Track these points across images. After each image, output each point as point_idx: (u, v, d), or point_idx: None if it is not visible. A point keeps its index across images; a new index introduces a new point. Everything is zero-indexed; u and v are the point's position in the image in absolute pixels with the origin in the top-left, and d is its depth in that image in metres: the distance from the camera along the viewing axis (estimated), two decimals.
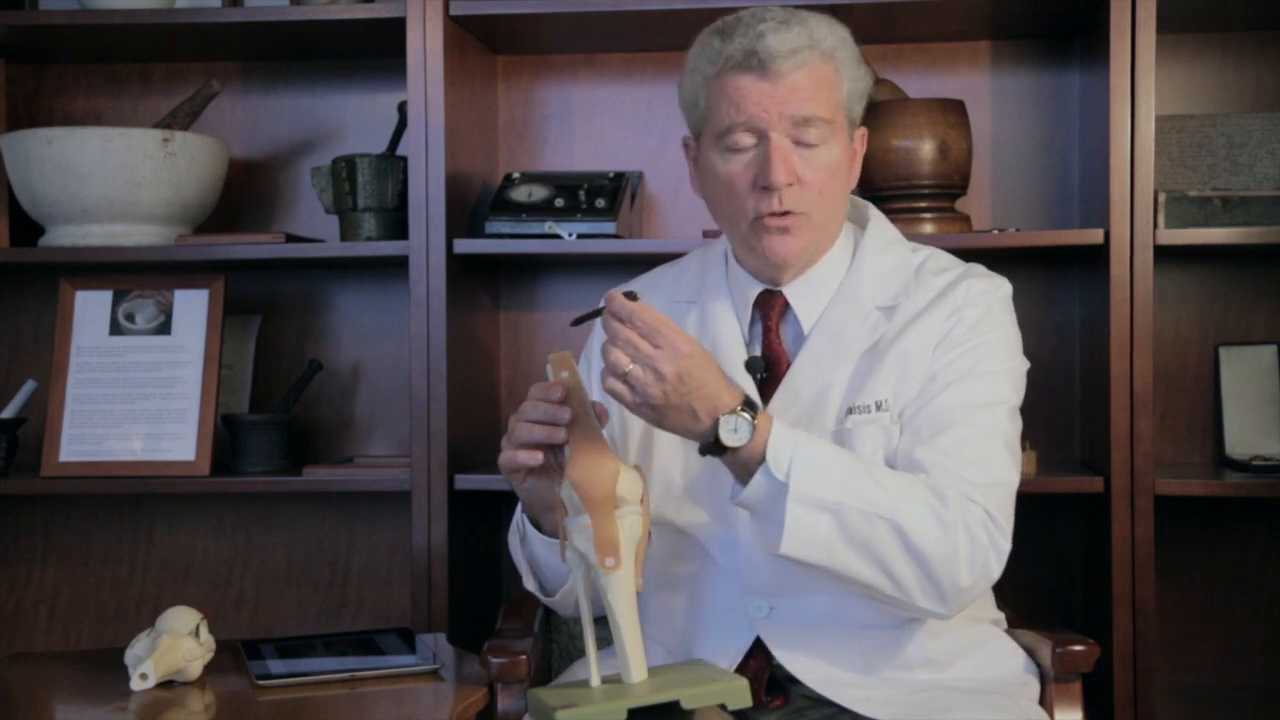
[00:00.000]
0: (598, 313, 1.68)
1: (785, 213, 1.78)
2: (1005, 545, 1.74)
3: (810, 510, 1.65)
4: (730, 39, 1.77)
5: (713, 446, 1.66)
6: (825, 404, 1.81)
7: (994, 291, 1.85)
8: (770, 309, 1.87)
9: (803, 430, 1.72)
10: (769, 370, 1.85)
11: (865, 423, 1.80)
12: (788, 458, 1.65)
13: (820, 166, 1.78)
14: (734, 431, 1.65)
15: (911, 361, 1.80)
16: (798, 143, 1.77)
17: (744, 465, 1.67)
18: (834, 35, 1.80)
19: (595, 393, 1.97)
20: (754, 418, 1.65)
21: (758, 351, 1.87)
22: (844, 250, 1.89)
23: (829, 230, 1.85)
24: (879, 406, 1.80)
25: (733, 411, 1.64)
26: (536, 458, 1.71)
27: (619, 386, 1.64)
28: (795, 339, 1.86)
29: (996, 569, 1.74)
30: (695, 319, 1.90)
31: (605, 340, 1.65)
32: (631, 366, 1.63)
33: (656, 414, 1.66)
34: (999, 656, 1.89)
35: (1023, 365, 1.87)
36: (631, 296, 1.64)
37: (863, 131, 1.88)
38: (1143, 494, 2.29)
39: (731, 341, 1.86)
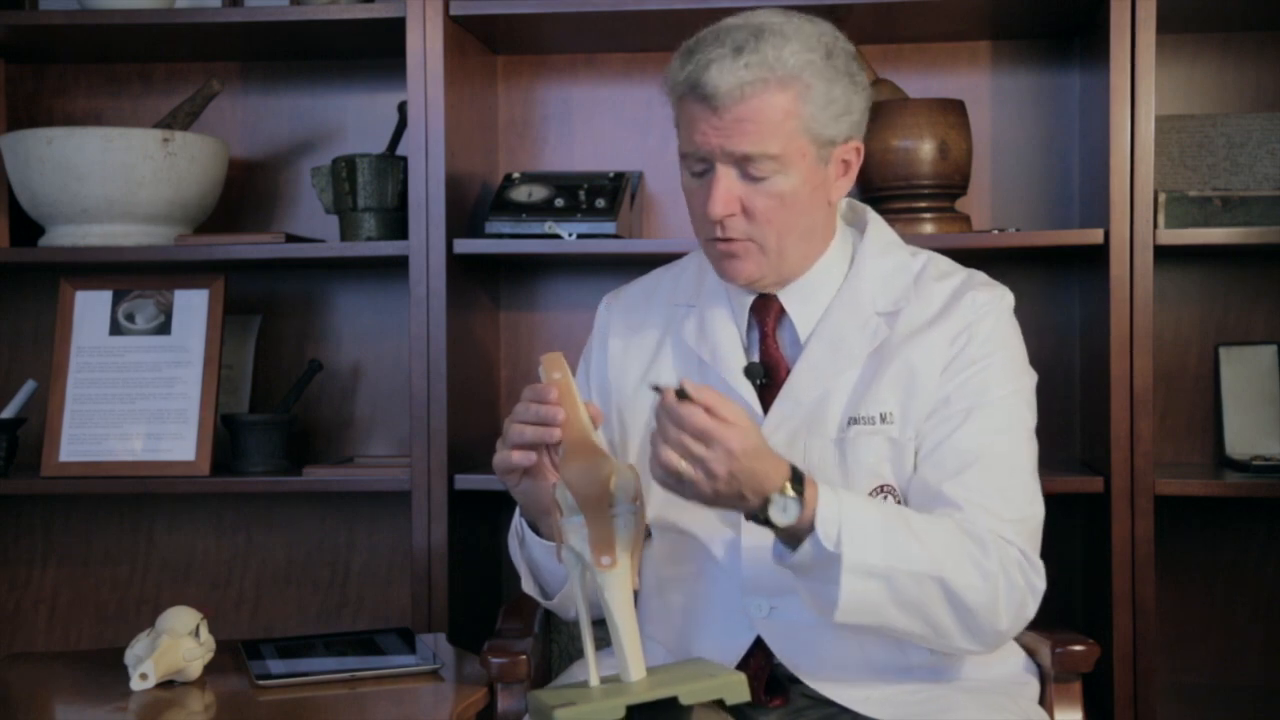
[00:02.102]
0: (656, 390, 1.63)
1: (730, 239, 1.78)
2: (1040, 585, 1.76)
3: (863, 579, 1.65)
4: (687, 63, 1.75)
5: (759, 519, 1.66)
6: (825, 411, 1.81)
7: (999, 303, 1.85)
8: (766, 315, 1.86)
9: (845, 491, 1.70)
10: (768, 377, 1.84)
11: (869, 434, 1.80)
12: (836, 527, 1.64)
13: (771, 196, 1.75)
14: (783, 512, 1.63)
15: (917, 377, 1.80)
16: (745, 174, 1.74)
17: (791, 533, 1.67)
18: (803, 56, 1.73)
19: (592, 393, 1.97)
20: (801, 492, 1.64)
21: (755, 357, 1.86)
22: (841, 255, 1.88)
23: (792, 254, 1.81)
24: (884, 419, 1.80)
25: (780, 490, 1.63)
26: (530, 458, 1.71)
27: (670, 481, 1.63)
28: (791, 344, 1.86)
29: (1032, 609, 1.76)
30: (694, 323, 1.90)
31: (655, 432, 1.62)
32: (683, 466, 1.61)
33: (705, 502, 1.65)
34: (999, 656, 1.89)
35: (1033, 380, 1.87)
36: (681, 393, 1.59)
37: (855, 145, 1.82)
38: (1143, 494, 2.29)
39: (730, 348, 1.86)
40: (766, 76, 1.71)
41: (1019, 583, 1.72)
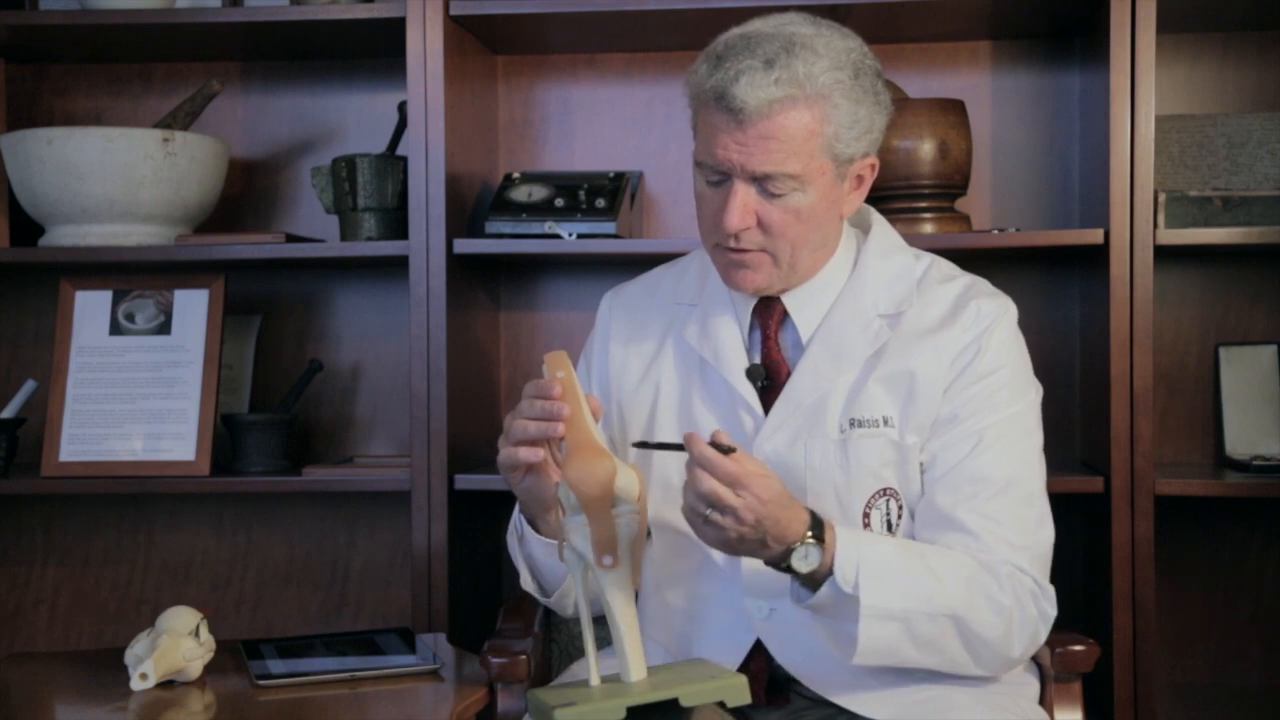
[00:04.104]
0: (675, 447, 1.67)
1: (743, 250, 1.78)
2: (1052, 612, 1.80)
3: (881, 622, 1.68)
4: (715, 70, 1.73)
5: (780, 567, 1.69)
6: (825, 412, 1.82)
7: (1005, 314, 1.85)
8: (769, 317, 1.86)
9: (864, 533, 1.74)
10: (769, 379, 1.84)
11: (869, 436, 1.80)
12: (854, 570, 1.67)
13: (787, 211, 1.75)
14: (804, 559, 1.67)
15: (918, 383, 1.80)
16: (763, 190, 1.74)
17: (809, 576, 1.69)
18: (832, 75, 1.72)
19: (593, 389, 1.97)
20: (822, 539, 1.67)
21: (757, 359, 1.86)
22: (845, 257, 1.88)
23: (803, 265, 1.81)
24: (886, 422, 1.80)
25: (802, 540, 1.66)
26: (537, 454, 1.72)
27: (697, 524, 1.65)
28: (793, 345, 1.86)
29: (1044, 636, 1.80)
30: (696, 323, 1.90)
31: (686, 481, 1.64)
32: (710, 512, 1.63)
33: (727, 549, 1.67)
34: None
35: (1039, 394, 1.88)
36: (718, 445, 1.62)
37: (871, 161, 1.82)
38: (1143, 494, 2.29)
39: (733, 349, 1.86)
40: (795, 94, 1.70)
41: (1032, 613, 1.76)
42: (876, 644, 1.68)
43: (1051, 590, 1.80)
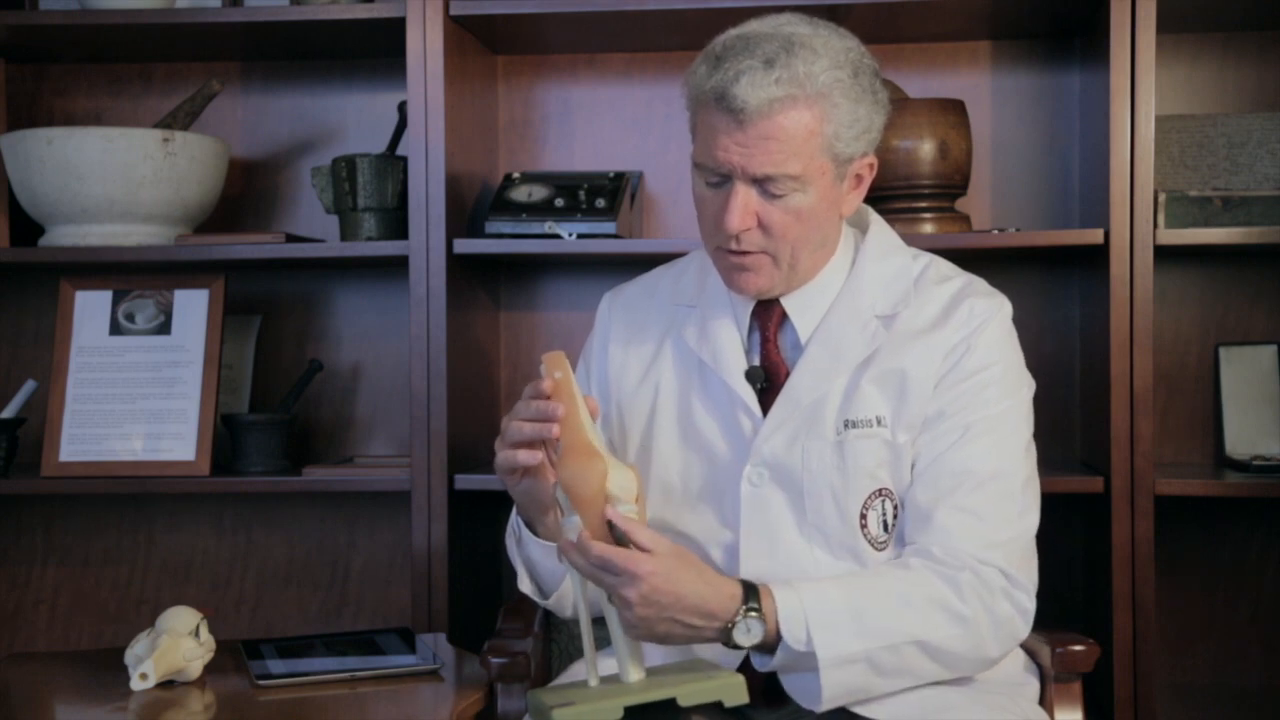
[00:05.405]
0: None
1: (744, 252, 1.77)
2: (1029, 604, 1.77)
3: (842, 668, 1.67)
4: (715, 71, 1.72)
5: (730, 645, 1.68)
6: (823, 413, 1.81)
7: (998, 313, 1.84)
8: (768, 319, 1.86)
9: (804, 583, 1.71)
10: (768, 380, 1.84)
11: (864, 437, 1.80)
12: (803, 627, 1.66)
13: (788, 212, 1.74)
14: (748, 633, 1.66)
15: (909, 382, 1.80)
16: (763, 191, 1.73)
17: (761, 644, 1.69)
18: (832, 74, 1.72)
19: (592, 390, 1.97)
20: (760, 609, 1.66)
21: (756, 360, 1.86)
22: (844, 257, 1.88)
23: (803, 266, 1.81)
24: (879, 422, 1.80)
25: (740, 614, 1.65)
26: (536, 456, 1.71)
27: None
28: (792, 347, 1.86)
29: (1023, 629, 1.78)
30: (695, 325, 1.90)
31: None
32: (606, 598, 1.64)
33: (649, 637, 1.66)
34: None
35: (1030, 390, 1.86)
36: (610, 526, 1.63)
37: (870, 160, 1.82)
38: (1143, 494, 2.29)
39: (732, 351, 1.86)
40: (796, 94, 1.70)
41: (1003, 612, 1.74)
42: (841, 689, 1.68)
43: (1027, 580, 1.77)
